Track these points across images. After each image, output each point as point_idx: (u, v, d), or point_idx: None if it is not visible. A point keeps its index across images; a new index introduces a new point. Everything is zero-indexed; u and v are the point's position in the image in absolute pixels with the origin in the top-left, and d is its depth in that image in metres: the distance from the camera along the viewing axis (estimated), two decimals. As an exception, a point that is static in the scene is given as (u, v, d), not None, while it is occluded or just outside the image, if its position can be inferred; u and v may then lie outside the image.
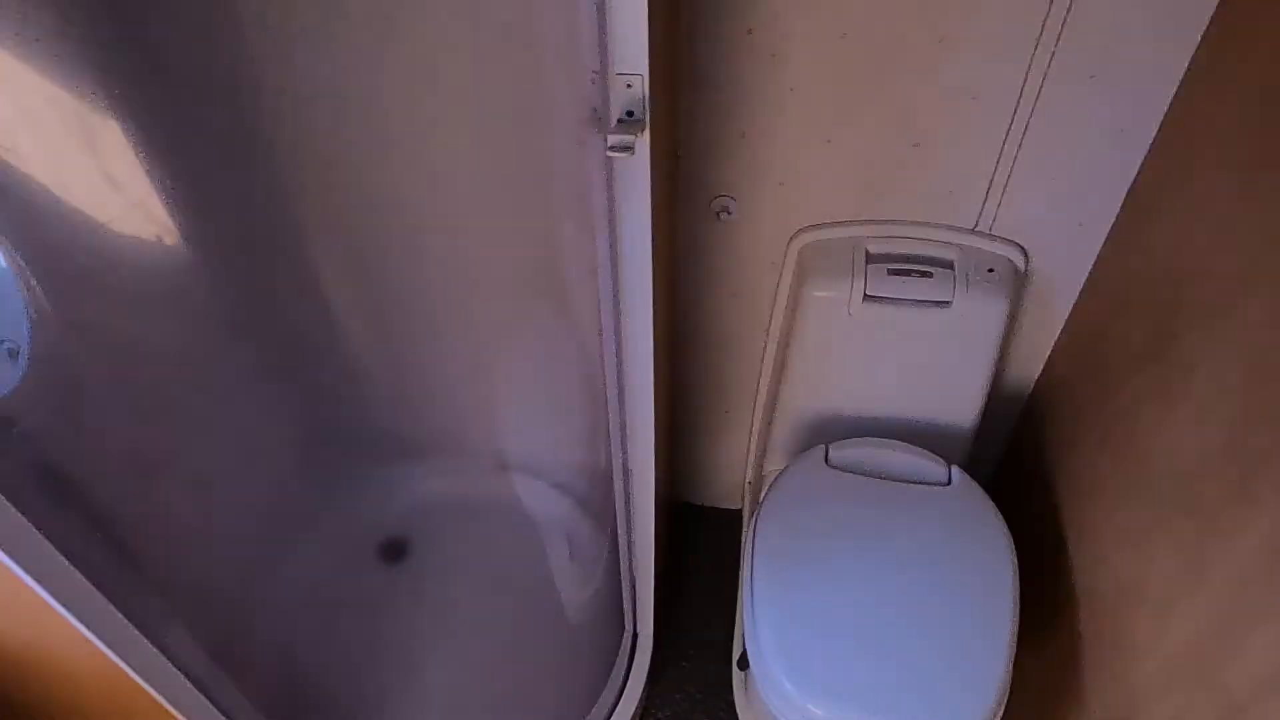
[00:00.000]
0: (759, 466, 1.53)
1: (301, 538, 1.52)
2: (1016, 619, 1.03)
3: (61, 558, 0.64)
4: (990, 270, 1.14)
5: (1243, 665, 0.74)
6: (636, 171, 0.75)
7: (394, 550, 1.61)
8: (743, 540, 1.44)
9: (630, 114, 0.71)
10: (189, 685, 0.81)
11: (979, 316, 1.14)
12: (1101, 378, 1.11)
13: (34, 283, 0.80)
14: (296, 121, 1.11)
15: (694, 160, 1.15)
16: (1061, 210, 1.12)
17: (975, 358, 1.18)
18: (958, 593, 1.05)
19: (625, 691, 1.37)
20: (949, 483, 1.18)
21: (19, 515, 0.60)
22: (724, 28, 1.02)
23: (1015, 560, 1.08)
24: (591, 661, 1.37)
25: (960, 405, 1.24)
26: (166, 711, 0.78)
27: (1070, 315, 1.23)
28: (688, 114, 1.10)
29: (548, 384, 1.39)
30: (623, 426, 1.12)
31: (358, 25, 1.01)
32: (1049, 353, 1.30)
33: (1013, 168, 1.08)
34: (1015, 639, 1.02)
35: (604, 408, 1.14)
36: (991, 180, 1.11)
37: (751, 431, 1.53)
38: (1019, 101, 1.02)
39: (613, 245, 0.84)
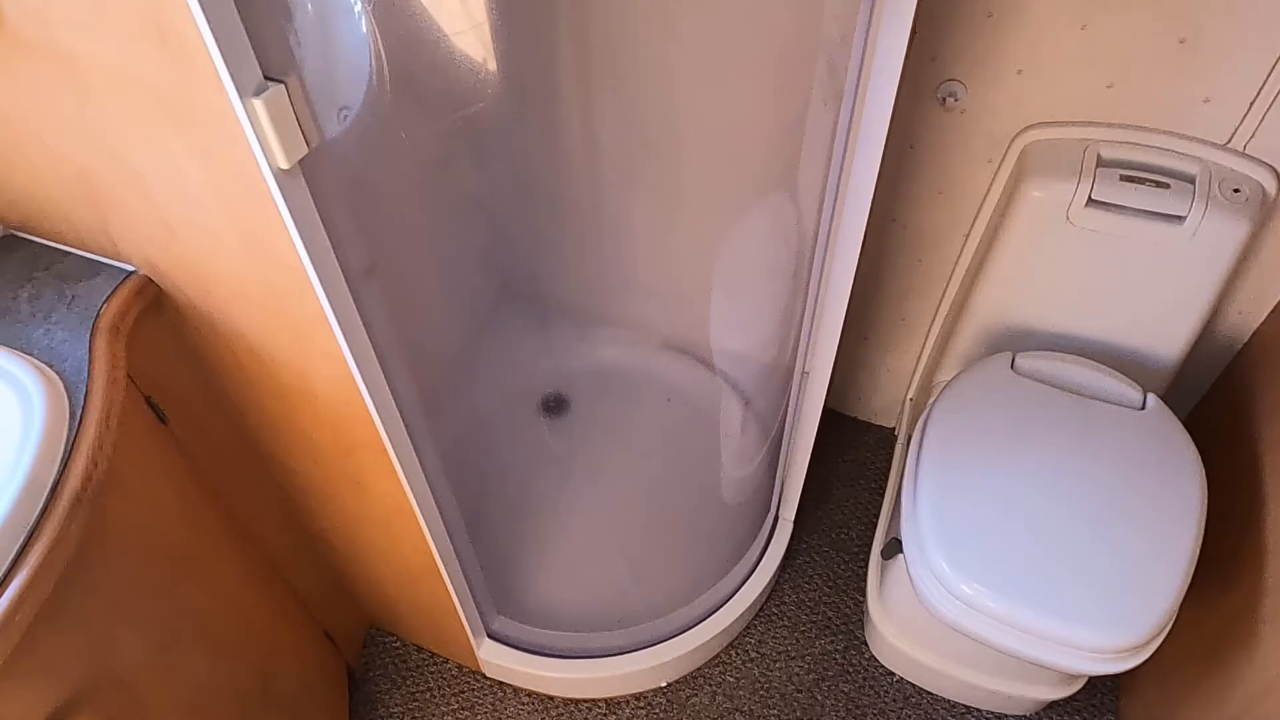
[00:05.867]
0: (927, 380, 1.51)
1: (478, 370, 1.64)
2: (1198, 546, 0.99)
3: (345, 282, 0.73)
4: (1236, 190, 1.07)
5: None
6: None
7: (555, 405, 1.71)
8: (908, 441, 1.44)
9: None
10: (404, 428, 0.90)
11: (1213, 238, 1.07)
12: (1344, 321, 1.02)
13: (384, 58, 0.90)
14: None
15: (929, 39, 1.12)
16: (1336, 133, 1.02)
17: (1198, 283, 1.11)
18: (1137, 511, 1.02)
19: (761, 564, 1.41)
20: (1142, 408, 1.13)
21: (325, 237, 0.69)
22: (995, -108, 0.98)
23: (1205, 491, 1.03)
24: (733, 532, 1.42)
25: (1169, 333, 1.17)
26: (382, 447, 0.88)
27: (1315, 258, 1.14)
28: (935, -13, 1.07)
29: (746, 272, 1.42)
30: (812, 326, 1.14)
31: None
32: None
33: (1289, 78, 1.00)
34: (1193, 565, 0.98)
35: (793, 305, 1.16)
36: (1260, 91, 1.02)
37: (925, 346, 1.51)
38: (1316, -1, 0.94)
39: (858, 90, 0.85)
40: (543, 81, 1.31)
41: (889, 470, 1.65)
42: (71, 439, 0.66)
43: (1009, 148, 1.18)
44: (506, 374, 1.69)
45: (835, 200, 0.98)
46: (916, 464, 1.10)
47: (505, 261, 1.60)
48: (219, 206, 0.67)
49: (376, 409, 0.83)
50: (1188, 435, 1.10)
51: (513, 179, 1.46)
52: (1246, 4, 0.96)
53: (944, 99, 1.17)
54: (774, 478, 1.40)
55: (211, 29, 0.54)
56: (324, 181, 0.68)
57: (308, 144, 0.62)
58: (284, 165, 0.61)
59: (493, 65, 1.29)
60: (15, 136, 0.72)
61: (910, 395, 1.61)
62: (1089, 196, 1.09)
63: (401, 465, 0.90)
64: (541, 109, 1.35)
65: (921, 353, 1.53)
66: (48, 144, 0.70)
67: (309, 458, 0.98)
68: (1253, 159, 1.08)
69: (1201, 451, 1.09)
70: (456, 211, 1.44)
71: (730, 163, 1.35)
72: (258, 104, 0.57)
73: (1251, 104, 1.04)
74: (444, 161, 1.33)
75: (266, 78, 0.58)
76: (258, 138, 0.59)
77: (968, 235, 1.31)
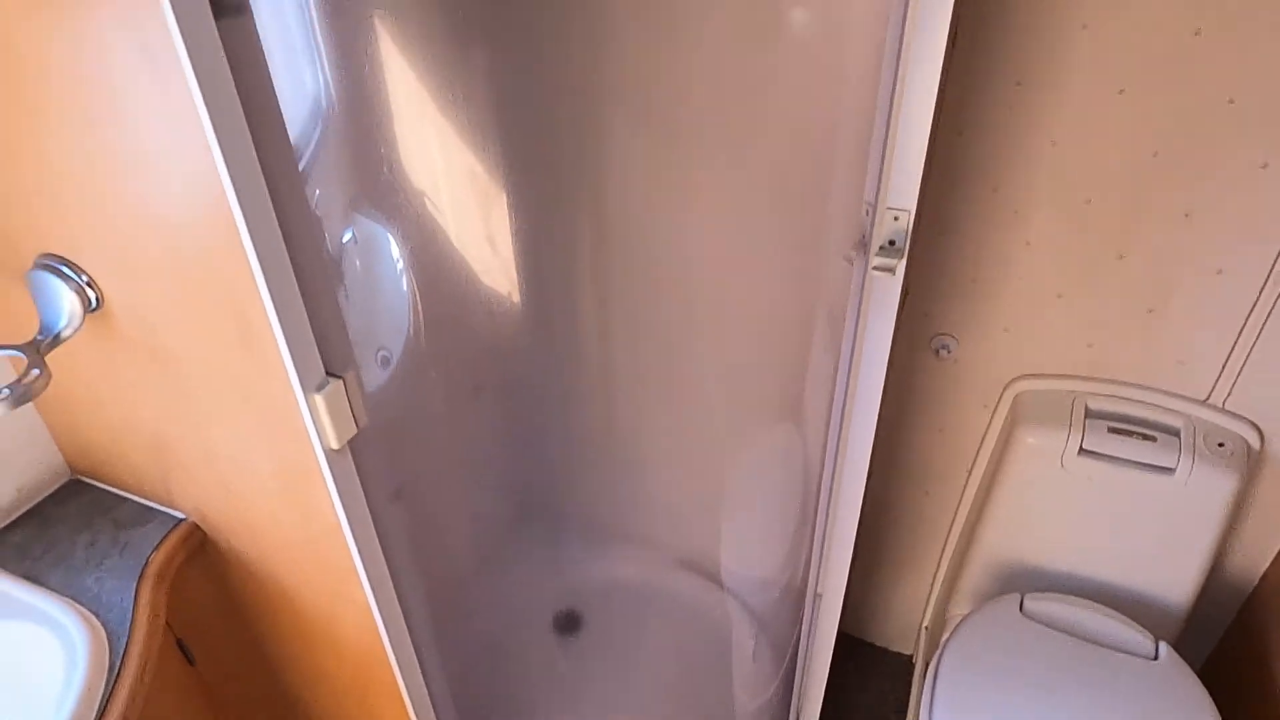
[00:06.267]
0: (940, 611, 1.50)
1: (487, 587, 1.66)
2: (1225, 818, 0.95)
3: (374, 532, 0.79)
4: (1221, 445, 1.12)
5: None
6: (888, 295, 0.85)
7: (568, 623, 1.70)
8: (925, 674, 1.42)
9: (892, 243, 0.82)
10: (420, 671, 0.93)
11: (1204, 490, 1.11)
12: (1344, 577, 1.04)
13: (420, 308, 1.01)
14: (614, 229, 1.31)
15: (922, 297, 1.24)
16: (1307, 395, 1.09)
17: (1195, 533, 1.14)
18: (1158, 774, 0.99)
19: (774, 809, 1.35)
20: (1155, 658, 1.13)
21: (364, 498, 0.76)
22: (971, 186, 1.12)
23: (1228, 755, 1.01)
24: (745, 770, 1.38)
25: (1173, 580, 1.19)
26: (398, 692, 0.90)
27: (1310, 508, 1.17)
28: (924, 254, 1.20)
29: (755, 497, 1.47)
30: (822, 549, 1.17)
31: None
32: (1282, 545, 1.23)
33: (1254, 346, 1.08)
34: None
35: (803, 529, 1.20)
36: (1229, 356, 1.11)
37: (937, 573, 1.52)
38: (1267, 282, 1.03)
39: (853, 358, 0.94)
40: (564, 312, 1.43)
41: (908, 700, 1.60)
42: (107, 694, 0.69)
43: (1002, 395, 1.26)
44: (520, 590, 1.70)
45: (840, 435, 1.04)
46: (930, 716, 1.09)
47: (523, 480, 1.66)
48: (272, 474, 0.75)
49: (395, 656, 0.86)
50: (1204, 689, 1.08)
51: (534, 403, 1.56)
52: (1206, 281, 1.07)
53: (938, 350, 1.27)
54: (789, 709, 1.38)
55: (285, 336, 0.63)
56: (362, 436, 0.76)
57: (357, 426, 0.70)
58: (335, 446, 0.69)
59: (517, 297, 1.42)
60: (102, 404, 0.81)
61: (926, 624, 1.60)
62: (1080, 446, 1.15)
63: (414, 708, 0.92)
64: (562, 337, 1.47)
65: (934, 581, 1.54)
66: (130, 411, 0.79)
67: (329, 695, 1.00)
68: (1233, 414, 1.15)
69: (1219, 703, 1.07)
70: (479, 436, 1.52)
71: (740, 395, 1.44)
72: (319, 399, 0.66)
73: (1224, 365, 1.12)
74: (473, 393, 1.43)
75: (328, 373, 0.68)
76: (315, 424, 0.67)
77: (970, 471, 1.36)
